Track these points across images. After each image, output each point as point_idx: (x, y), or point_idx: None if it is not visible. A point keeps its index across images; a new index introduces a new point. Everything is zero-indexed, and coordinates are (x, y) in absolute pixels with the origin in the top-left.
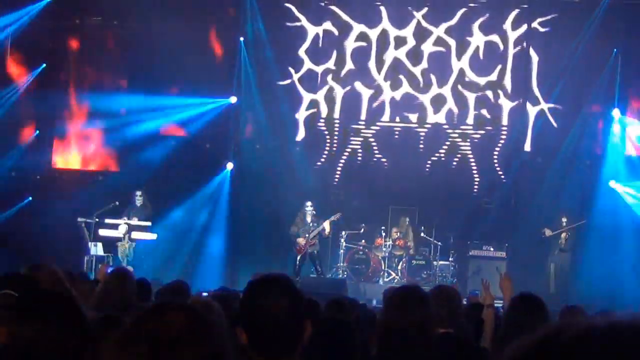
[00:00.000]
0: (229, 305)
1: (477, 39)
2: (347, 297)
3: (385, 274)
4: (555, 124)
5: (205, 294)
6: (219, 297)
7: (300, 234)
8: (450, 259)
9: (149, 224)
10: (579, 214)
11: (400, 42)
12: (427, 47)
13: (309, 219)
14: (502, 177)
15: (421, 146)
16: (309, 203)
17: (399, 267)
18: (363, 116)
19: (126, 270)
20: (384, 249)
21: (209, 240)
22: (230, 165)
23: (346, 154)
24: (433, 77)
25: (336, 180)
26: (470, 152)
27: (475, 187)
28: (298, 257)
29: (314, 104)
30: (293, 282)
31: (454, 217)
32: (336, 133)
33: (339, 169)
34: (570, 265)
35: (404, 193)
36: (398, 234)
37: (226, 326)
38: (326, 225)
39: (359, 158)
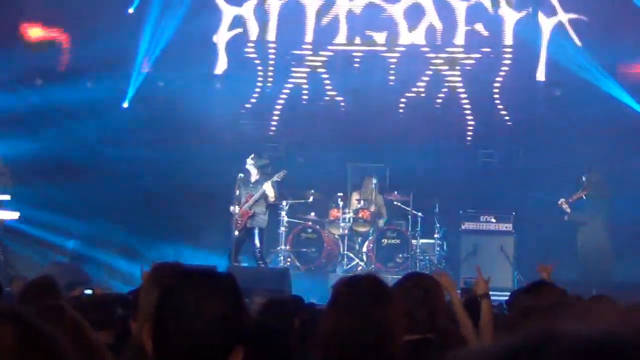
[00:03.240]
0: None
1: None
2: (289, 294)
3: (345, 259)
4: (579, 42)
5: (89, 291)
6: (107, 298)
7: (237, 200)
8: (435, 236)
9: (7, 197)
10: (611, 169)
11: None
12: None
13: (253, 179)
14: (507, 118)
15: (392, 78)
16: (250, 158)
17: (364, 249)
18: (309, 37)
19: None
20: (342, 225)
21: (98, 221)
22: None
23: (286, 91)
24: None
25: (273, 128)
26: (461, 84)
27: (469, 133)
28: (236, 235)
29: (238, 21)
30: (232, 281)
31: (439, 176)
32: (272, 62)
33: (276, 112)
34: (606, 240)
35: (369, 144)
36: (361, 202)
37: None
38: (267, 187)
39: (305, 97)
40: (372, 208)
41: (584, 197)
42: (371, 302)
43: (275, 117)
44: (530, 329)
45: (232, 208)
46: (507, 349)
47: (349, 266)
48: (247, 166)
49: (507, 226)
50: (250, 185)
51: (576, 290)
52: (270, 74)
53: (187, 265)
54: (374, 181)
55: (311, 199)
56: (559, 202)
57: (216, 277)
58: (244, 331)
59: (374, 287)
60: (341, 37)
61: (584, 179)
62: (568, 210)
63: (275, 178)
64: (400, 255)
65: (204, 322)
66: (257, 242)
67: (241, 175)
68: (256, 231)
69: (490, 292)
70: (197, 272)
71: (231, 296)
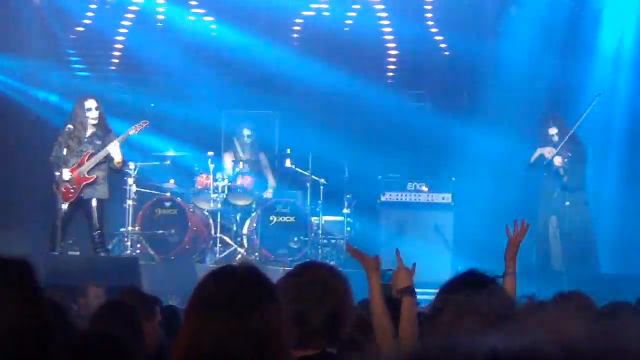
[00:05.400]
0: None
1: None
2: (139, 292)
3: (218, 245)
4: None
5: None
6: None
7: (62, 162)
8: (344, 211)
9: None
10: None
11: None
12: None
13: (88, 132)
14: (443, 46)
15: None
16: (89, 103)
17: (245, 231)
18: None
19: None
20: (213, 196)
21: None
22: None
23: (134, 8)
24: None
25: (115, 61)
26: None
27: (391, 67)
28: (63, 209)
29: None
30: (25, 274)
31: (349, 127)
32: None
33: (119, 38)
34: (588, 218)
35: (251, 82)
36: (241, 164)
37: None
38: (113, 148)
39: (160, 16)
40: (255, 172)
41: (566, 154)
42: (247, 303)
43: (119, 46)
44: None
45: (59, 172)
46: None
47: (224, 254)
48: (87, 114)
49: (445, 197)
50: (86, 140)
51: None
52: None
53: None
54: (253, 134)
55: (170, 160)
56: (552, 158)
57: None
58: (49, 343)
59: (252, 283)
60: None
61: (554, 131)
62: (563, 172)
63: (131, 132)
64: (296, 239)
65: None
66: (95, 219)
67: (70, 126)
68: (94, 204)
69: (421, 290)
70: None
71: (23, 294)
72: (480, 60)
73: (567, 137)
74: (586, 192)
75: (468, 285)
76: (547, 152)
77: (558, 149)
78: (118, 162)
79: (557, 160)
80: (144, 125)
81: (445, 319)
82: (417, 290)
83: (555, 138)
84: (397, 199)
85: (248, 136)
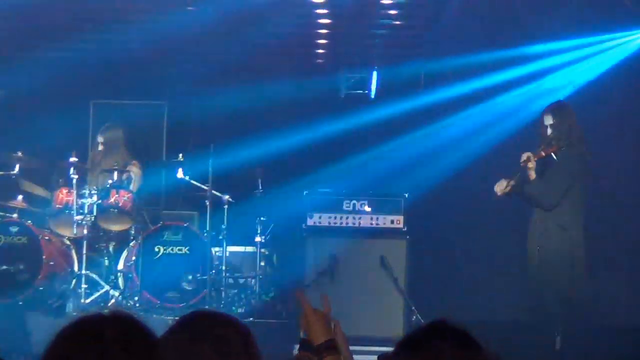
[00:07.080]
0: None
1: None
2: None
3: (83, 286)
4: None
5: None
6: None
7: None
8: (257, 239)
9: None
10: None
11: None
12: None
13: None
14: (392, 13)
15: None
16: None
17: (121, 266)
18: None
19: None
20: (77, 218)
21: None
22: None
23: None
24: None
25: None
26: None
27: (321, 41)
28: None
29: None
30: None
31: (264, 124)
32: None
33: None
34: (581, 248)
35: (129, 61)
36: (115, 175)
37: None
38: None
39: None
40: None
41: (553, 155)
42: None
43: None
44: None
45: None
46: None
47: (92, 298)
48: None
49: (395, 220)
50: None
51: (527, 339)
52: None
53: None
54: (122, 133)
55: (17, 169)
56: (524, 158)
57: None
58: None
59: (122, 342)
60: None
61: (549, 121)
62: (533, 175)
63: None
64: (190, 277)
65: None
66: None
67: None
68: None
69: (365, 348)
70: None
71: None
72: (442, 30)
73: (560, 132)
74: (565, 214)
75: (435, 343)
76: (499, 188)
77: (547, 148)
78: None
79: (524, 157)
80: None
81: None
82: (359, 348)
83: (549, 130)
84: (329, 222)
85: (117, 135)
